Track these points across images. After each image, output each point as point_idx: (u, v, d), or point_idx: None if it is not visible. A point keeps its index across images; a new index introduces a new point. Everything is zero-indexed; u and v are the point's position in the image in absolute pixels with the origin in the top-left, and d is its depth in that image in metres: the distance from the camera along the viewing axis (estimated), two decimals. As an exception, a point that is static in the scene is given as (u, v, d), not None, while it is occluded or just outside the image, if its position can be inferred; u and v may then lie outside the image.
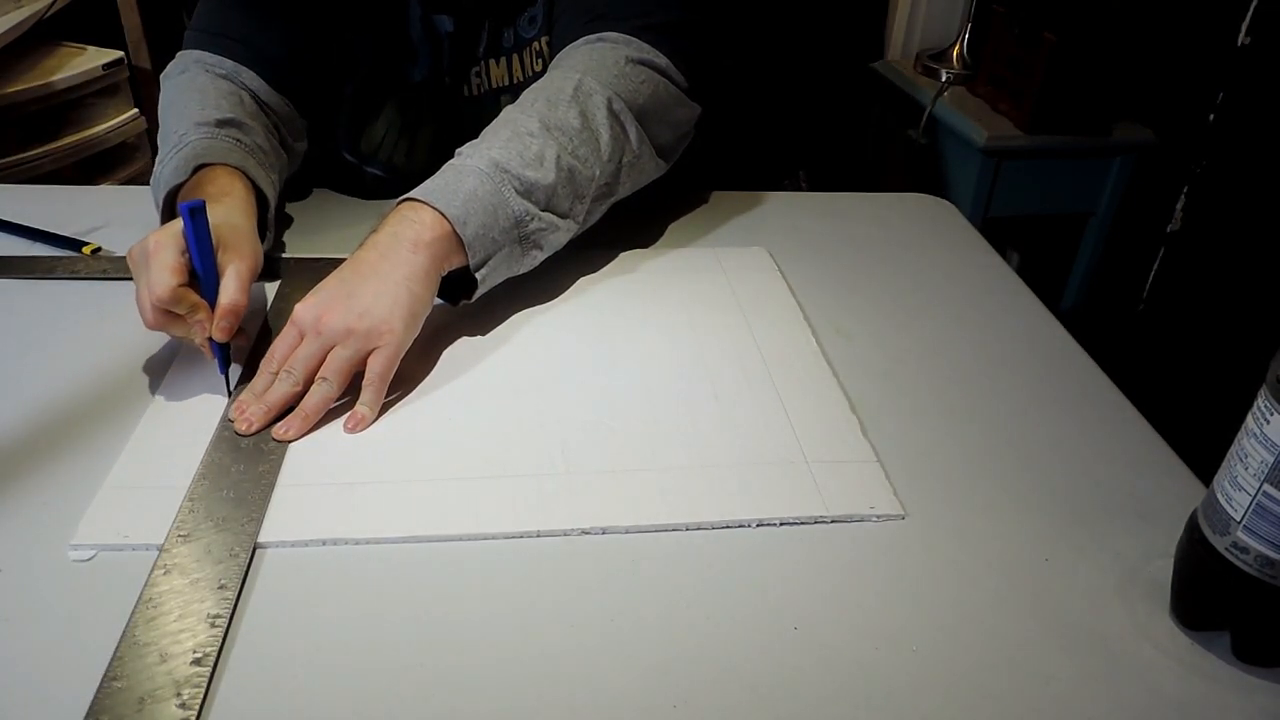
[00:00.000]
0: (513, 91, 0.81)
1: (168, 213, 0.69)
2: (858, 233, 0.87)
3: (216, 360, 0.60)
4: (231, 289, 0.60)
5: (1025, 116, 1.46)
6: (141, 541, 0.50)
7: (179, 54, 0.81)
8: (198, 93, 0.76)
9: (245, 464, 0.55)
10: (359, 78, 0.85)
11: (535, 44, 0.83)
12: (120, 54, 1.62)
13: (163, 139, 0.75)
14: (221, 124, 0.73)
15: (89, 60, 1.58)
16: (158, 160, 0.73)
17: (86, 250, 0.77)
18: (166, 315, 0.58)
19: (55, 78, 1.51)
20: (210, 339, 0.59)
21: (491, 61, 0.84)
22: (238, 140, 0.73)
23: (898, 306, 0.76)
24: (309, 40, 0.81)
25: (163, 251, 0.58)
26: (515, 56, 0.83)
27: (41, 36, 1.59)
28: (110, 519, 0.51)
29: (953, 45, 1.65)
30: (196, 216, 0.58)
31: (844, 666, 0.46)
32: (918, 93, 1.61)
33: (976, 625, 0.48)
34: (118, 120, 1.63)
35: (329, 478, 0.56)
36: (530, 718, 0.43)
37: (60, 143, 1.54)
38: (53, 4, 1.56)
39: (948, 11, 1.77)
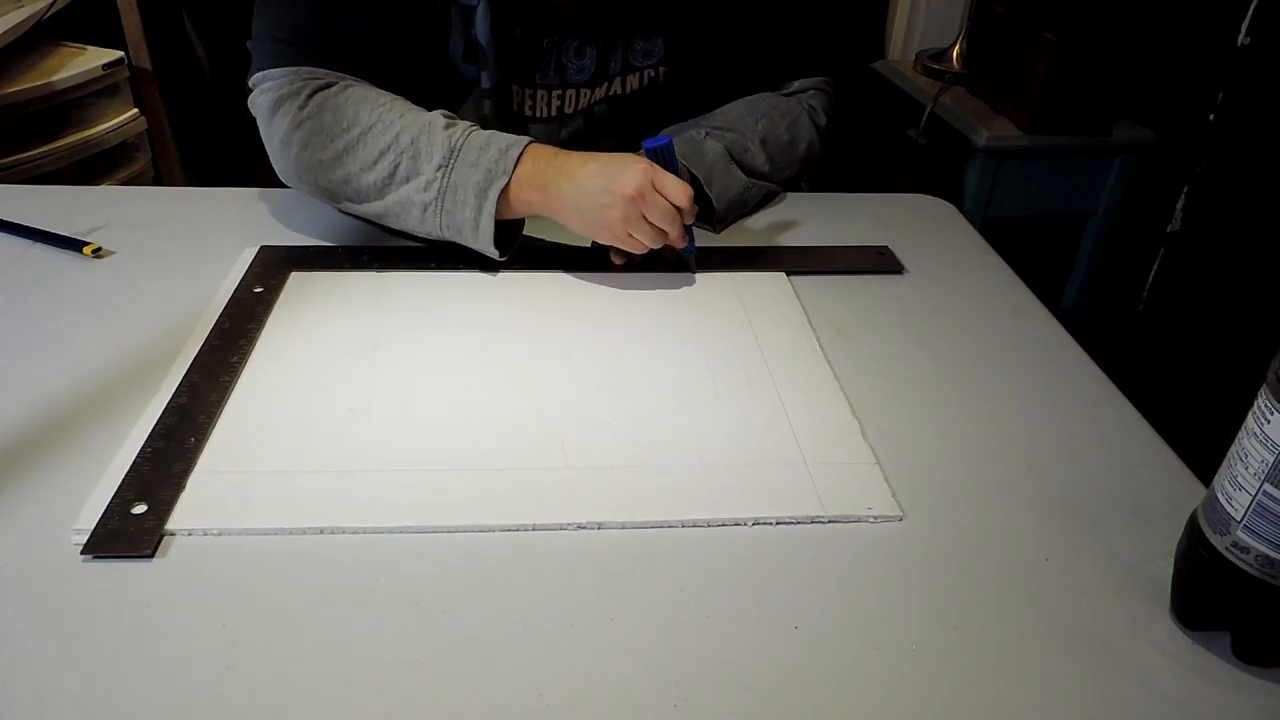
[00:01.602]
0: (609, 102, 0.89)
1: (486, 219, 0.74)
2: (858, 233, 0.87)
3: (691, 242, 0.77)
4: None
5: (1025, 116, 1.46)
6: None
7: (283, 71, 0.76)
8: (394, 102, 0.76)
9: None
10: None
11: (649, 72, 0.88)
12: (120, 54, 1.62)
13: (400, 152, 0.74)
14: (450, 116, 0.77)
15: (89, 60, 1.58)
16: (421, 182, 0.73)
17: (87, 250, 0.77)
18: (679, 220, 0.73)
19: (55, 78, 1.51)
20: (689, 226, 0.75)
21: (582, 88, 0.87)
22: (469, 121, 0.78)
23: (898, 306, 0.76)
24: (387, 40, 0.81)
25: (662, 176, 0.72)
26: (619, 80, 0.88)
27: (41, 36, 1.59)
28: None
29: (953, 45, 1.65)
30: (671, 149, 0.74)
31: (844, 666, 0.46)
32: (918, 93, 1.61)
33: (976, 625, 0.48)
34: (118, 120, 1.63)
35: (325, 465, 0.56)
36: (528, 717, 0.43)
37: (60, 143, 1.54)
38: (53, 4, 1.56)
39: (948, 11, 1.77)
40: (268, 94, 0.77)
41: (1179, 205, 1.53)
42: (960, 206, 0.96)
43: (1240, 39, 1.40)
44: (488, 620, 0.47)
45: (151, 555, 0.50)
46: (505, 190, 0.73)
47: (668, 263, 0.79)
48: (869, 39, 1.66)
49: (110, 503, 0.52)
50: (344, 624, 0.47)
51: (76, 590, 0.48)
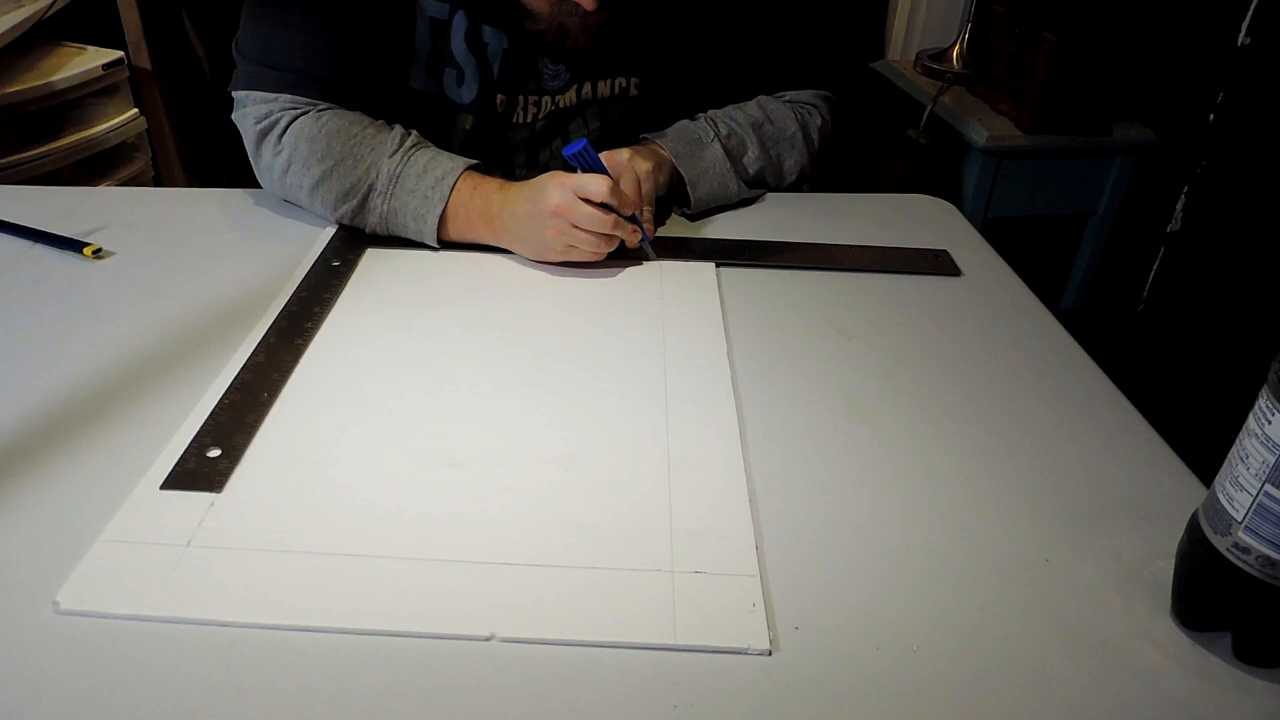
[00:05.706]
0: (588, 106, 0.90)
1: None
2: (858, 233, 0.87)
3: (644, 233, 0.78)
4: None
5: (1025, 116, 1.46)
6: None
7: (264, 97, 0.80)
8: (363, 130, 0.79)
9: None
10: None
11: (621, 81, 0.90)
12: (120, 54, 1.62)
13: (367, 176, 0.78)
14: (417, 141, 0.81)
15: (89, 60, 1.58)
16: (380, 195, 0.78)
17: (87, 251, 0.77)
18: (613, 218, 0.74)
19: (55, 78, 1.51)
20: (633, 216, 0.77)
21: (553, 94, 0.88)
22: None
23: (898, 306, 0.76)
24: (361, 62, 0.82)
25: (583, 181, 0.73)
26: (589, 85, 0.90)
27: (41, 36, 1.59)
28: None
29: (953, 45, 1.65)
30: (589, 150, 0.75)
31: (844, 666, 0.46)
32: (918, 93, 1.61)
33: (976, 625, 0.48)
34: (118, 120, 1.63)
35: (338, 500, 0.55)
36: (529, 716, 0.43)
37: (60, 143, 1.54)
38: (53, 4, 1.56)
39: (948, 11, 1.77)
40: (250, 120, 0.81)
41: (1179, 205, 1.53)
42: (960, 206, 0.96)
43: (1240, 39, 1.40)
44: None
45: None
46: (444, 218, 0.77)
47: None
48: (862, 50, 1.67)
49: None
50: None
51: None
